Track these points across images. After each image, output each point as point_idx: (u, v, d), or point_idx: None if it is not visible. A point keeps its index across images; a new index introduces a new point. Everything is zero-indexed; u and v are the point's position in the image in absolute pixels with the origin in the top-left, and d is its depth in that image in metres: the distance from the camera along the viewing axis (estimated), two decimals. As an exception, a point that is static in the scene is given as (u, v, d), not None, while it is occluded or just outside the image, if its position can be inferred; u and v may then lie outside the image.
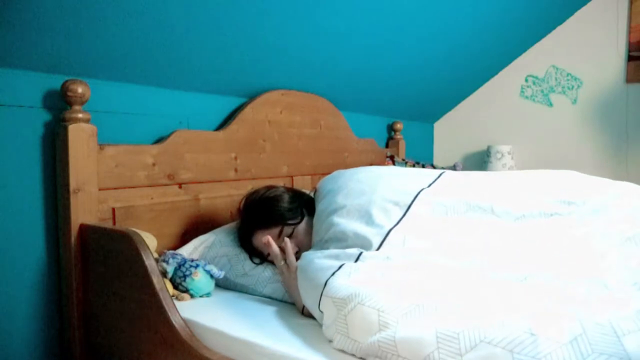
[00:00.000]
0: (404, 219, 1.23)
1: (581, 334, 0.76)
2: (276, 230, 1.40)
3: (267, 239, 1.32)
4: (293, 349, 0.97)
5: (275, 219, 1.40)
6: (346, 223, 1.25)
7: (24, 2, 1.13)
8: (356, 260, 1.12)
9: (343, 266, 1.09)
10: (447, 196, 1.30)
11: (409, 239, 1.16)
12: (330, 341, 0.98)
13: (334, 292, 1.00)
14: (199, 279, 1.30)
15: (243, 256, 1.43)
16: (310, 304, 1.09)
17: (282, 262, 1.29)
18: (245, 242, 1.44)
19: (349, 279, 1.03)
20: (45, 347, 1.36)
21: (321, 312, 1.03)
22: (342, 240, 1.22)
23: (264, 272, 1.37)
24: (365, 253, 1.13)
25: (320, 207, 1.39)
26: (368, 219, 1.24)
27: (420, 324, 0.86)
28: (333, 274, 1.06)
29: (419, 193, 1.31)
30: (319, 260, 1.15)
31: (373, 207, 1.27)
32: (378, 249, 1.15)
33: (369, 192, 1.33)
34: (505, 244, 1.13)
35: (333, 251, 1.17)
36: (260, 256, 1.42)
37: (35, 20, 1.18)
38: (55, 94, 1.35)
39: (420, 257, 1.10)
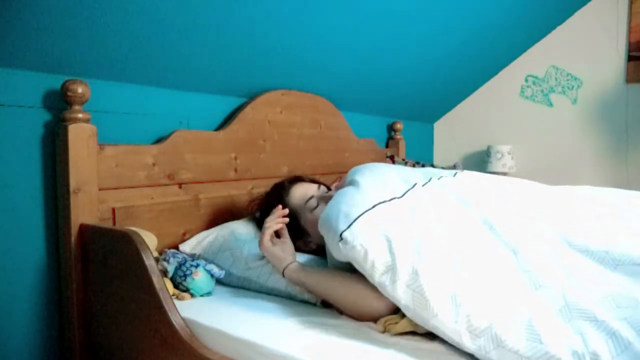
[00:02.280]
0: (414, 189, 1.30)
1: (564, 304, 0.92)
2: (314, 187, 1.49)
3: (279, 209, 1.34)
4: (293, 348, 0.97)
5: (315, 180, 1.55)
6: (364, 182, 1.30)
7: (24, 2, 1.13)
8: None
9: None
10: (456, 189, 1.33)
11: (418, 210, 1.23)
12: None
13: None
14: (200, 279, 1.30)
15: (246, 251, 1.43)
16: (348, 211, 1.15)
17: (267, 234, 1.30)
18: (280, 199, 1.46)
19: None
20: (45, 347, 1.36)
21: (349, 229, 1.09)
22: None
23: (267, 265, 1.37)
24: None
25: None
26: (384, 185, 1.31)
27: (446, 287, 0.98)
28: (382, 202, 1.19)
29: (429, 180, 1.38)
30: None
31: (388, 181, 1.34)
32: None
33: (384, 173, 1.39)
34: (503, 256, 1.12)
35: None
36: (291, 217, 1.41)
37: (35, 20, 1.19)
38: (55, 94, 1.35)
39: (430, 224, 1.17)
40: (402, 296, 0.99)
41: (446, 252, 1.06)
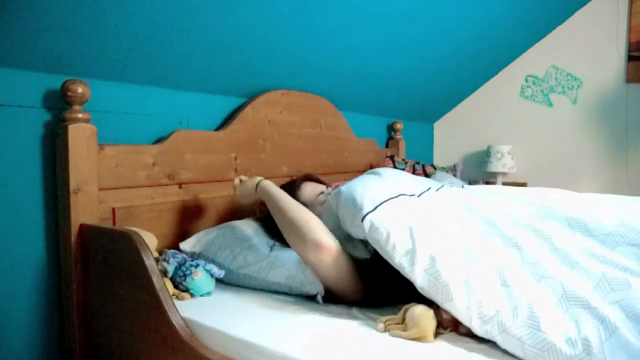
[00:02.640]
0: (429, 192, 1.40)
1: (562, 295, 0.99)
2: (323, 186, 1.62)
3: (239, 178, 1.54)
4: (293, 348, 0.97)
5: (322, 181, 1.69)
6: (387, 175, 1.41)
7: (24, 2, 1.13)
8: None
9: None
10: (465, 194, 1.39)
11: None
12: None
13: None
14: (199, 279, 1.30)
15: (246, 248, 1.44)
16: (374, 195, 1.25)
17: (237, 180, 1.53)
18: (291, 194, 1.53)
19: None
20: (45, 347, 1.36)
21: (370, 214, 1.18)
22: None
23: (266, 260, 1.38)
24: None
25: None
26: (403, 183, 1.39)
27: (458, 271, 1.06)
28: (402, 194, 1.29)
29: (442, 186, 1.47)
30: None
31: (406, 181, 1.43)
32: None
33: (401, 175, 1.48)
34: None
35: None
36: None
37: (35, 20, 1.19)
38: (55, 94, 1.35)
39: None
40: (419, 279, 1.06)
41: (457, 246, 1.13)
